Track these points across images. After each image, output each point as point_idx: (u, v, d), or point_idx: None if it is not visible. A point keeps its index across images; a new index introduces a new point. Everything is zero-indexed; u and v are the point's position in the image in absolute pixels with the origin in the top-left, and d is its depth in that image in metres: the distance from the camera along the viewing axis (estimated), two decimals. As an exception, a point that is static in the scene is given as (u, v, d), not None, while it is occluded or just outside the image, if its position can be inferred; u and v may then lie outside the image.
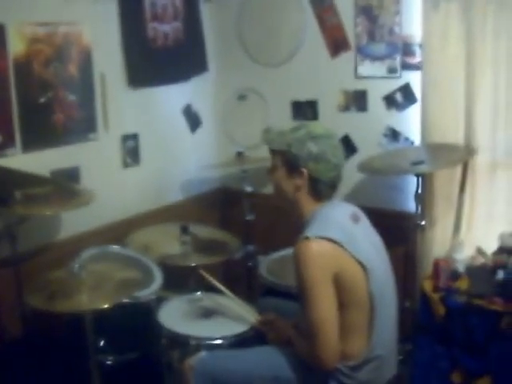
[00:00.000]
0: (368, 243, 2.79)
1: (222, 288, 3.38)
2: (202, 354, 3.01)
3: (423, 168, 3.74)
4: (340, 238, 2.65)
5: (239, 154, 4.43)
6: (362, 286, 2.68)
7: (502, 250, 3.63)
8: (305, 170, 2.75)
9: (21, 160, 3.58)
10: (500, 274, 3.48)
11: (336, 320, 2.63)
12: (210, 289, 3.58)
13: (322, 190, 2.78)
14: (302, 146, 2.76)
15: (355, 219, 2.82)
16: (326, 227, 2.68)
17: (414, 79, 4.08)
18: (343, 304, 2.65)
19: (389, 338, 2.85)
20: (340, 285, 2.63)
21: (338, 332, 2.63)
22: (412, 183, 3.90)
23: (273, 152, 2.89)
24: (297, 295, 2.75)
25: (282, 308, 3.31)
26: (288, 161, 2.81)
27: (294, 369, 2.84)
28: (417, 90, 4.07)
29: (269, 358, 2.93)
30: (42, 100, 3.70)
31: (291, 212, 2.88)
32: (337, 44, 4.34)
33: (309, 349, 2.68)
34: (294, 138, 2.80)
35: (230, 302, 3.44)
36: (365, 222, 2.91)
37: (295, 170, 2.78)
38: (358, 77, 4.30)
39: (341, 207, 2.86)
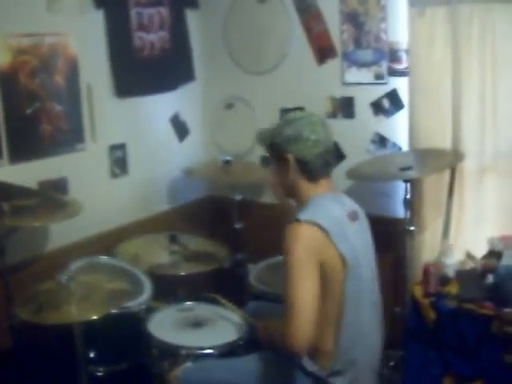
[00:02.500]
0: (358, 243, 2.78)
1: (237, 311, 3.39)
2: (188, 364, 3.01)
3: (411, 174, 3.75)
4: (329, 228, 2.65)
5: (227, 162, 4.42)
6: (338, 281, 2.67)
7: (491, 254, 3.64)
8: (289, 155, 2.77)
9: (8, 171, 3.57)
10: (489, 278, 3.49)
11: (315, 304, 2.59)
12: (198, 298, 3.58)
13: (313, 169, 2.79)
14: (279, 133, 2.80)
15: (353, 217, 2.82)
16: (318, 214, 2.69)
17: (401, 85, 4.08)
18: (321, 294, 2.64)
19: (364, 344, 2.81)
20: (321, 273, 2.63)
21: (314, 318, 2.59)
22: (400, 189, 3.91)
23: (266, 149, 2.94)
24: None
25: (270, 311, 3.32)
26: (274, 152, 2.86)
27: (280, 379, 2.83)
28: (404, 96, 4.08)
29: (254, 368, 2.92)
30: (29, 111, 3.69)
31: (296, 203, 2.88)
32: (323, 51, 4.35)
33: (283, 329, 2.61)
34: (274, 128, 2.86)
35: (221, 311, 3.44)
36: (362, 223, 2.90)
37: (281, 158, 2.80)
38: (344, 83, 4.31)
39: (341, 203, 2.85)
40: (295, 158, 2.76)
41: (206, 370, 2.98)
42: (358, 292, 2.73)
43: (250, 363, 2.96)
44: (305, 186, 2.81)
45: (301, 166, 2.78)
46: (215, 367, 3.00)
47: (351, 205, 2.89)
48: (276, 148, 2.82)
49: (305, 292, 2.58)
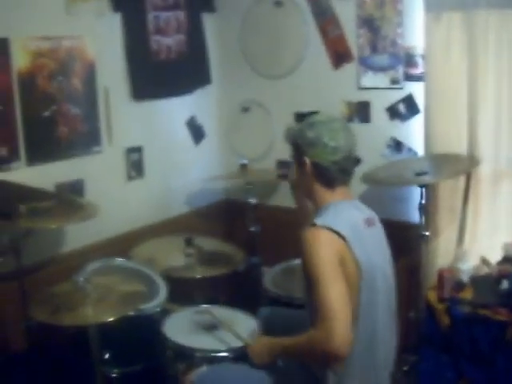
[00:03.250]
0: (374, 249, 2.74)
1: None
2: (203, 368, 3.01)
3: (427, 179, 3.75)
4: (345, 233, 2.62)
5: (243, 166, 4.43)
6: (355, 285, 2.62)
7: (506, 260, 3.64)
8: (306, 158, 2.74)
9: (25, 173, 3.60)
10: (504, 284, 3.48)
11: (348, 303, 2.52)
12: (214, 301, 3.59)
13: (329, 175, 2.74)
14: (301, 134, 2.77)
15: (369, 223, 2.78)
16: (335, 220, 2.65)
17: (417, 90, 4.08)
18: None
19: (378, 351, 2.76)
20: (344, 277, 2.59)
21: (350, 317, 2.51)
22: (416, 194, 3.90)
23: (291, 148, 2.89)
24: (305, 285, 2.70)
25: (282, 316, 3.32)
26: (295, 153, 2.82)
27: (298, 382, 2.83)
28: (420, 101, 4.08)
29: (271, 374, 2.91)
30: (46, 114, 3.72)
31: (314, 206, 2.86)
32: (339, 55, 4.36)
33: (319, 338, 2.50)
34: (298, 128, 2.83)
35: (236, 314, 3.46)
36: (378, 229, 2.86)
37: (300, 160, 2.77)
38: (360, 88, 4.31)
39: (358, 209, 2.82)
40: (311, 162, 2.73)
41: (221, 375, 2.98)
42: (372, 298, 2.69)
43: (264, 372, 2.93)
44: (320, 191, 2.77)
45: (316, 171, 2.74)
46: (230, 372, 3.00)
47: (367, 211, 2.86)
48: (297, 149, 2.80)
49: (338, 292, 2.51)
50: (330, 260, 2.57)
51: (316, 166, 2.73)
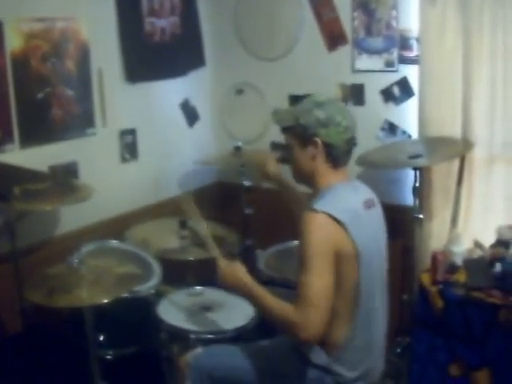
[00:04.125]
0: (372, 232, 2.77)
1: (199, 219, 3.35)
2: (198, 350, 3.02)
3: (421, 161, 3.76)
4: (345, 220, 2.63)
5: (237, 148, 4.43)
6: (352, 271, 2.65)
7: (500, 243, 3.65)
8: (317, 139, 2.73)
9: (19, 156, 3.59)
10: (498, 267, 3.50)
11: (329, 293, 2.57)
12: (208, 283, 3.60)
13: (337, 155, 2.75)
14: (309, 115, 2.74)
15: (368, 205, 2.80)
16: (334, 205, 2.66)
17: (411, 73, 4.08)
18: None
19: (373, 331, 2.81)
20: (336, 264, 2.61)
21: (329, 308, 2.57)
22: (410, 177, 3.92)
23: (284, 131, 2.87)
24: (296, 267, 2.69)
25: (279, 296, 3.33)
26: (299, 134, 2.78)
27: (291, 364, 2.83)
28: (414, 84, 4.08)
29: (265, 354, 2.94)
30: (40, 95, 3.71)
31: (311, 189, 2.85)
32: (334, 38, 4.35)
33: (294, 318, 2.57)
34: (300, 109, 2.80)
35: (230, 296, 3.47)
36: (377, 210, 2.88)
37: (308, 140, 2.75)
38: (355, 71, 4.31)
39: (357, 191, 2.83)
40: (323, 142, 2.73)
41: (217, 356, 2.99)
42: (370, 281, 2.72)
43: (260, 349, 2.98)
44: (325, 173, 2.78)
45: (327, 151, 2.74)
46: (225, 353, 3.01)
47: (367, 192, 2.87)
48: (302, 130, 2.76)
49: (321, 281, 2.56)
50: (324, 250, 2.59)
51: (326, 146, 2.74)
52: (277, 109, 3.04)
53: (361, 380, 2.79)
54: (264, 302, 2.74)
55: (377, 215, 2.87)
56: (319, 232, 2.60)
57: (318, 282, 2.56)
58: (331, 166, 2.77)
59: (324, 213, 2.62)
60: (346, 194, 2.75)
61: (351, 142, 2.78)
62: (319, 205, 2.66)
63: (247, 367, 2.89)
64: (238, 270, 2.90)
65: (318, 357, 2.75)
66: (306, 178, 2.85)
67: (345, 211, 2.66)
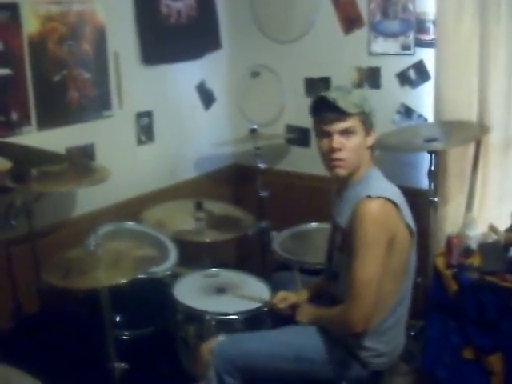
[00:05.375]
0: (410, 213, 2.86)
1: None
2: (221, 337, 3.04)
3: (436, 145, 3.75)
4: (398, 202, 2.71)
5: (253, 131, 4.44)
6: (406, 252, 2.77)
7: (515, 228, 3.65)
8: (373, 130, 2.86)
9: (36, 138, 3.62)
10: (512, 252, 3.50)
11: (379, 285, 2.68)
12: (224, 265, 3.62)
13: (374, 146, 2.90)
14: (368, 105, 2.83)
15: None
16: (384, 188, 2.74)
17: (428, 56, 4.07)
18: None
19: (404, 309, 2.92)
20: (391, 249, 2.69)
21: (376, 298, 2.69)
22: (425, 160, 3.91)
23: (347, 116, 2.78)
24: (348, 253, 2.76)
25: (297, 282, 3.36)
26: (363, 122, 2.82)
27: (316, 348, 2.89)
28: (430, 67, 4.06)
29: (289, 339, 2.97)
30: (57, 78, 3.72)
31: (348, 176, 2.87)
32: (350, 21, 4.33)
33: (345, 310, 2.72)
34: (362, 97, 2.86)
35: (246, 277, 3.50)
36: None
37: (370, 130, 2.84)
38: (371, 54, 4.30)
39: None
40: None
41: (240, 342, 3.00)
42: (414, 262, 2.87)
43: (284, 335, 3.00)
44: (368, 162, 2.87)
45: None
46: (249, 339, 3.03)
47: None
48: (366, 120, 2.82)
49: (375, 273, 2.66)
50: (380, 236, 2.66)
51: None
52: (340, 86, 3.06)
53: (385, 356, 2.89)
54: (325, 320, 2.91)
55: None
56: (376, 220, 2.66)
57: (374, 272, 2.66)
58: (372, 159, 2.88)
59: (380, 198, 2.67)
60: (384, 178, 2.84)
61: None
62: (371, 191, 2.71)
63: (272, 353, 2.93)
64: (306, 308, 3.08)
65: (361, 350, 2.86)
66: (355, 164, 2.84)
67: (396, 195, 2.76)
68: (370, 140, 2.84)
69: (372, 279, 2.66)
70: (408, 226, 2.75)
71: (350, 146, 2.78)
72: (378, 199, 2.67)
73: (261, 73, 4.85)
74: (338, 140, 2.76)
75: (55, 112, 3.75)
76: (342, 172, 2.83)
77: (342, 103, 2.74)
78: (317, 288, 3.21)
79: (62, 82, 3.76)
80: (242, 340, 3.03)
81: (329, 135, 2.79)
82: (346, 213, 2.81)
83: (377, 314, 2.76)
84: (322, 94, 2.79)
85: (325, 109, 2.77)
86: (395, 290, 2.80)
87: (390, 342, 2.88)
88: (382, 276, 2.67)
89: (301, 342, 2.93)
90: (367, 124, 2.81)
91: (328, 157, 2.82)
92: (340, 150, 2.78)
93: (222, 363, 2.90)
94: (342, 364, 2.87)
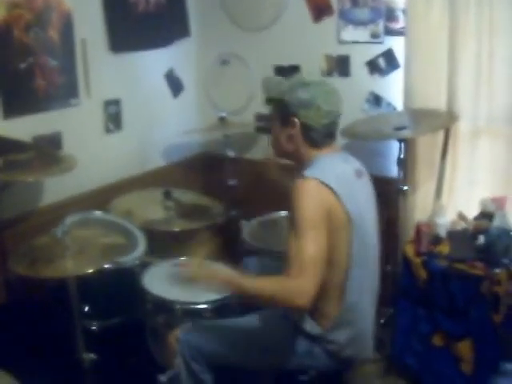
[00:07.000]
0: (363, 200, 2.80)
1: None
2: (188, 324, 3.03)
3: (406, 133, 3.76)
4: (335, 186, 2.64)
5: (222, 119, 4.43)
6: (345, 240, 2.68)
7: (483, 216, 3.67)
8: (296, 119, 2.73)
9: (2, 126, 3.56)
10: (481, 239, 3.52)
11: (322, 259, 2.57)
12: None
13: (316, 138, 2.76)
14: (293, 93, 2.74)
15: (359, 175, 2.83)
16: (324, 173, 2.67)
17: (397, 45, 4.07)
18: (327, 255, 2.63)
19: (364, 303, 2.85)
20: (328, 231, 2.61)
21: (321, 273, 2.56)
22: (394, 148, 3.92)
23: (268, 102, 2.87)
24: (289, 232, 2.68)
25: (267, 267, 3.34)
26: (281, 110, 2.79)
27: (280, 337, 2.86)
28: (400, 56, 4.07)
29: (252, 328, 2.95)
30: (23, 66, 3.66)
31: (295, 164, 2.86)
32: (320, 9, 4.32)
33: (285, 284, 2.57)
34: (287, 85, 2.79)
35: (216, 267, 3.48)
36: (367, 181, 2.92)
37: (287, 118, 2.76)
38: (340, 42, 4.29)
39: (347, 161, 2.85)
40: (301, 123, 2.73)
41: (206, 331, 2.99)
42: (363, 249, 2.75)
43: (249, 322, 2.98)
44: (306, 150, 2.80)
45: (304, 132, 2.75)
46: (214, 327, 3.02)
47: (356, 163, 2.90)
48: (283, 107, 2.77)
49: (314, 245, 2.55)
50: (316, 215, 2.60)
51: (304, 128, 2.75)
52: (270, 77, 3.03)
53: (350, 347, 2.83)
54: (256, 287, 2.68)
55: (368, 185, 2.91)
56: (310, 197, 2.61)
57: (312, 246, 2.55)
58: (310, 145, 2.79)
59: (314, 179, 2.63)
60: (336, 162, 2.78)
61: (332, 126, 2.80)
62: (308, 172, 2.67)
63: (235, 342, 2.92)
64: (219, 272, 3.00)
65: (310, 326, 2.78)
66: (285, 153, 2.87)
67: (335, 178, 2.67)
68: (291, 131, 2.76)
69: (309, 253, 2.54)
70: (347, 213, 2.66)
71: (272, 131, 2.89)
72: (312, 179, 2.64)
73: (230, 61, 4.83)
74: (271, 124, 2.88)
75: (21, 100, 3.69)
76: (274, 153, 2.95)
77: (264, 86, 2.88)
78: None
79: (29, 70, 3.70)
80: (205, 327, 3.02)
81: None
82: None
83: (325, 302, 2.71)
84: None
85: None
86: (342, 279, 2.72)
87: (350, 334, 2.80)
88: (323, 252, 2.57)
89: (266, 330, 2.91)
90: (284, 112, 2.77)
91: None
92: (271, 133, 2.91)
93: (188, 351, 2.89)
94: (307, 354, 2.83)
